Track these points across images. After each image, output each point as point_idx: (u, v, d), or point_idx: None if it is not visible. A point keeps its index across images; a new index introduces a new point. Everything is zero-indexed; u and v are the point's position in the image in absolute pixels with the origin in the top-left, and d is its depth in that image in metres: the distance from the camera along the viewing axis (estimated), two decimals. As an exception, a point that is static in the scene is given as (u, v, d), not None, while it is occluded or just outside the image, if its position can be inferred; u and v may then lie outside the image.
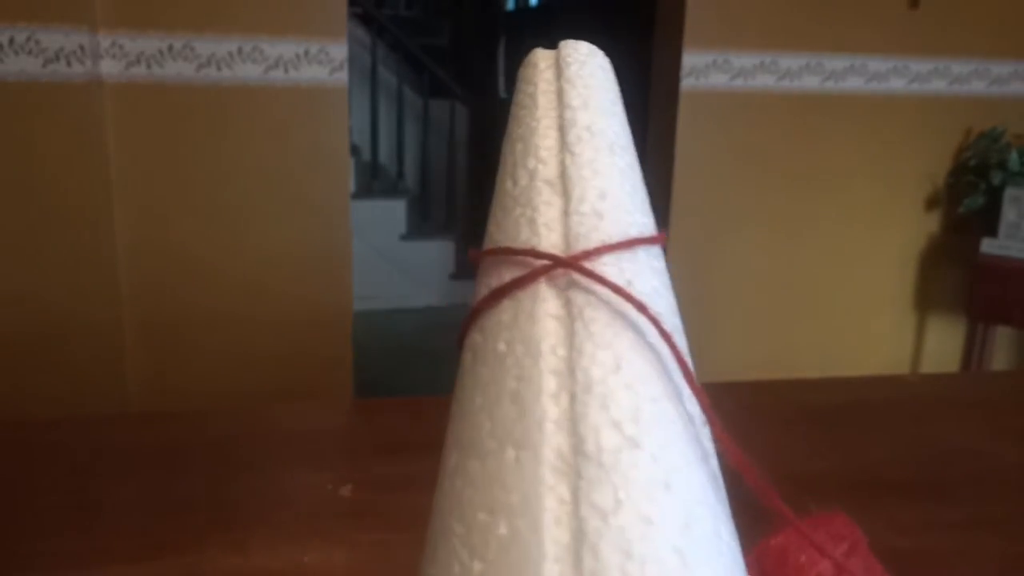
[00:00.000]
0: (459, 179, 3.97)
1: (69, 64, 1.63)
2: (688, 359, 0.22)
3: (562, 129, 0.23)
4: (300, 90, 1.81)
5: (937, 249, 2.34)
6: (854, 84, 2.16)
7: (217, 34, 1.73)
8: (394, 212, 3.74)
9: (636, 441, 0.17)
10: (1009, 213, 2.11)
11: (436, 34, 4.61)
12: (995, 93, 2.27)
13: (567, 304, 0.20)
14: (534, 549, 0.16)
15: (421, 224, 3.83)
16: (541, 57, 0.25)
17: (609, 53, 0.26)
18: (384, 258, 3.67)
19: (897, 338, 2.39)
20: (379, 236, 3.62)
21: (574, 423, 0.18)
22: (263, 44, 1.76)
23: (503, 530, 0.17)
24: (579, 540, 0.16)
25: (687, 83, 2.06)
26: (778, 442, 0.66)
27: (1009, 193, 2.11)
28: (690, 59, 2.04)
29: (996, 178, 2.16)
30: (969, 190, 2.22)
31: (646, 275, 0.21)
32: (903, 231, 2.31)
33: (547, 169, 0.23)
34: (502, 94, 4.12)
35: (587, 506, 0.17)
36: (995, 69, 2.25)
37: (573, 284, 0.20)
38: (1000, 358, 2.40)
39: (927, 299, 2.37)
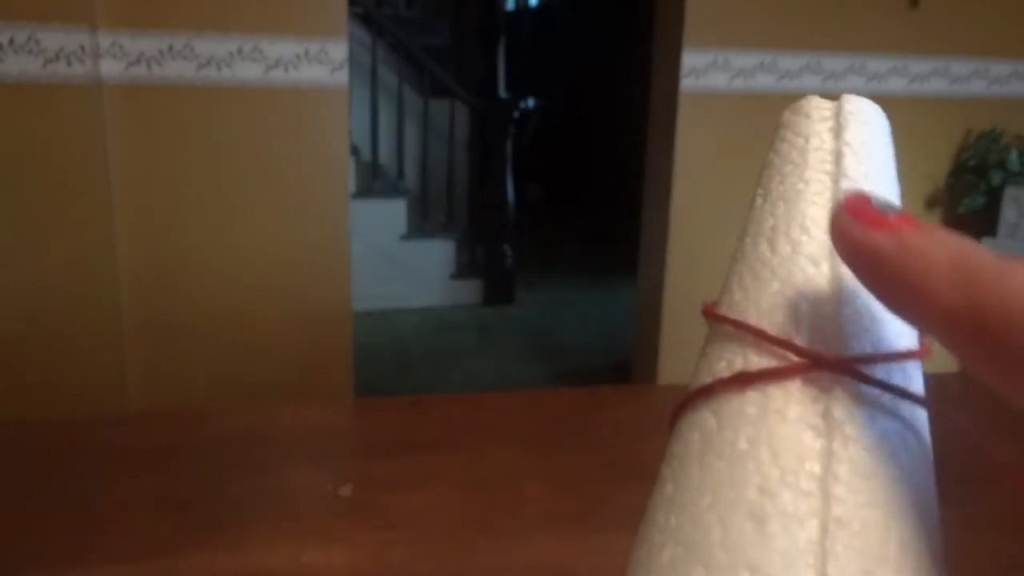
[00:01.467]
0: (459, 179, 3.97)
1: (69, 64, 1.63)
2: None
3: (836, 200, 0.20)
4: (300, 90, 1.81)
5: (937, 249, 2.34)
6: (854, 84, 2.16)
7: (217, 34, 1.73)
8: (394, 212, 3.74)
9: None
10: (1009, 213, 2.11)
11: (436, 34, 4.61)
12: (995, 93, 2.27)
13: (826, 414, 0.18)
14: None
15: (421, 224, 3.83)
16: (816, 107, 0.22)
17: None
18: (384, 258, 3.67)
19: (897, 338, 2.39)
20: (379, 236, 3.62)
21: (822, 560, 0.16)
22: (263, 44, 1.76)
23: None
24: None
25: (687, 83, 2.06)
26: None
27: (1009, 193, 2.11)
28: (690, 59, 2.04)
29: (996, 178, 2.16)
30: (969, 190, 2.22)
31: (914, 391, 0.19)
32: (903, 231, 2.31)
33: (812, 245, 0.20)
34: (502, 94, 4.12)
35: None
36: (995, 69, 2.25)
37: (835, 391, 0.18)
38: (1000, 358, 2.40)
39: (927, 299, 2.37)
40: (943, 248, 0.16)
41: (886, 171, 0.22)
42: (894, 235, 0.16)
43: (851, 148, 0.21)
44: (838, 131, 0.21)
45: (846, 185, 0.20)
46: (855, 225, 0.17)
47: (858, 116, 0.22)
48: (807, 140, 0.21)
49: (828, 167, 0.21)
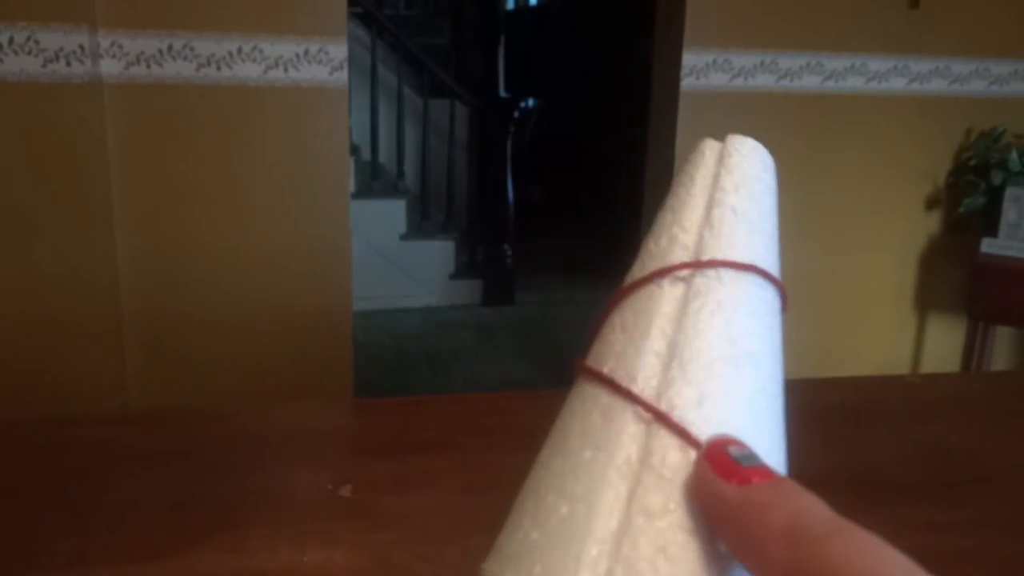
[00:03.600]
0: (459, 179, 3.97)
1: (69, 64, 1.63)
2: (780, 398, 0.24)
3: (709, 207, 0.26)
4: (300, 90, 1.81)
5: (937, 249, 2.34)
6: (854, 84, 2.16)
7: (217, 34, 1.73)
8: (394, 212, 3.74)
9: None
10: (1009, 213, 2.10)
11: (436, 34, 4.61)
12: (995, 93, 2.27)
13: (674, 335, 0.23)
14: (584, 529, 0.19)
15: (421, 224, 3.83)
16: (709, 147, 0.28)
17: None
18: (384, 258, 3.67)
19: (897, 338, 2.39)
20: (379, 236, 3.62)
21: (648, 439, 0.21)
22: (263, 44, 1.76)
23: (564, 510, 0.20)
24: (623, 531, 0.19)
25: (687, 83, 2.06)
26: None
27: (1009, 193, 2.11)
28: (690, 59, 2.04)
29: (996, 178, 2.16)
30: (969, 190, 2.22)
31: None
32: (903, 231, 2.31)
33: (686, 236, 0.25)
34: (502, 94, 4.12)
35: (638, 506, 0.19)
36: (995, 69, 2.25)
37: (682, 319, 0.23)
38: (1000, 358, 2.40)
39: (927, 299, 2.37)
40: (783, 506, 0.17)
41: (756, 186, 0.27)
42: (740, 488, 0.18)
43: (727, 171, 0.27)
44: (720, 162, 0.27)
45: (719, 197, 0.26)
46: (708, 472, 0.19)
47: (739, 149, 0.28)
48: (697, 168, 0.27)
49: (709, 184, 0.27)
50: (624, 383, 0.22)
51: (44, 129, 1.64)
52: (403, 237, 3.77)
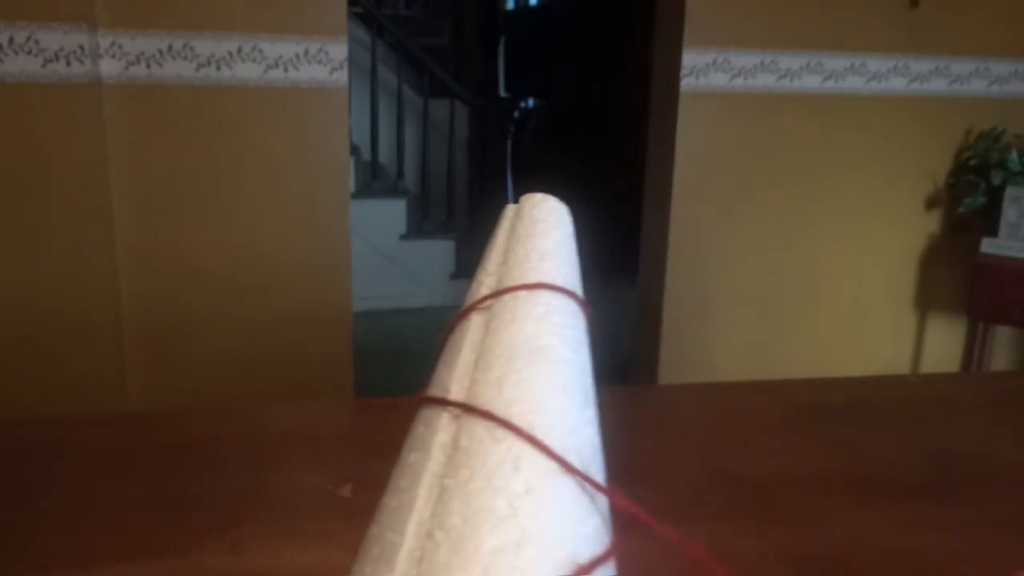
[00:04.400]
0: (459, 179, 3.97)
1: (69, 64, 1.63)
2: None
3: (506, 251, 0.33)
4: (300, 90, 1.81)
5: (937, 249, 2.34)
6: (854, 84, 2.16)
7: (216, 34, 1.73)
8: (394, 212, 3.74)
9: (497, 437, 0.22)
10: (1009, 213, 2.11)
11: (436, 34, 4.61)
12: (995, 93, 2.27)
13: (480, 350, 0.27)
14: (407, 510, 0.22)
15: (421, 224, 3.82)
16: (510, 209, 0.36)
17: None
18: (384, 258, 3.67)
19: (897, 338, 2.39)
20: (379, 236, 3.62)
21: (459, 429, 0.24)
22: (263, 44, 1.76)
23: (394, 503, 0.23)
24: (440, 500, 0.21)
25: (687, 83, 2.06)
26: (778, 442, 0.66)
27: (1009, 193, 2.11)
28: (690, 59, 2.04)
29: (996, 178, 2.16)
30: (969, 190, 2.22)
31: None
32: (903, 231, 2.31)
33: (489, 278, 0.31)
34: (502, 94, 4.12)
35: (451, 480, 0.22)
36: (995, 69, 2.25)
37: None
38: (1000, 358, 2.40)
39: (927, 299, 2.37)
40: None
41: (549, 232, 0.34)
42: None
43: (521, 222, 0.35)
44: (516, 216, 0.35)
45: (512, 241, 0.33)
46: None
47: (530, 202, 0.36)
48: (500, 227, 0.35)
49: (506, 237, 0.34)
50: (439, 395, 0.26)
51: (44, 129, 1.64)
52: (403, 237, 3.77)
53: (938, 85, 2.22)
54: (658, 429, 0.70)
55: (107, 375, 1.77)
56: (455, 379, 0.26)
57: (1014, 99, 2.28)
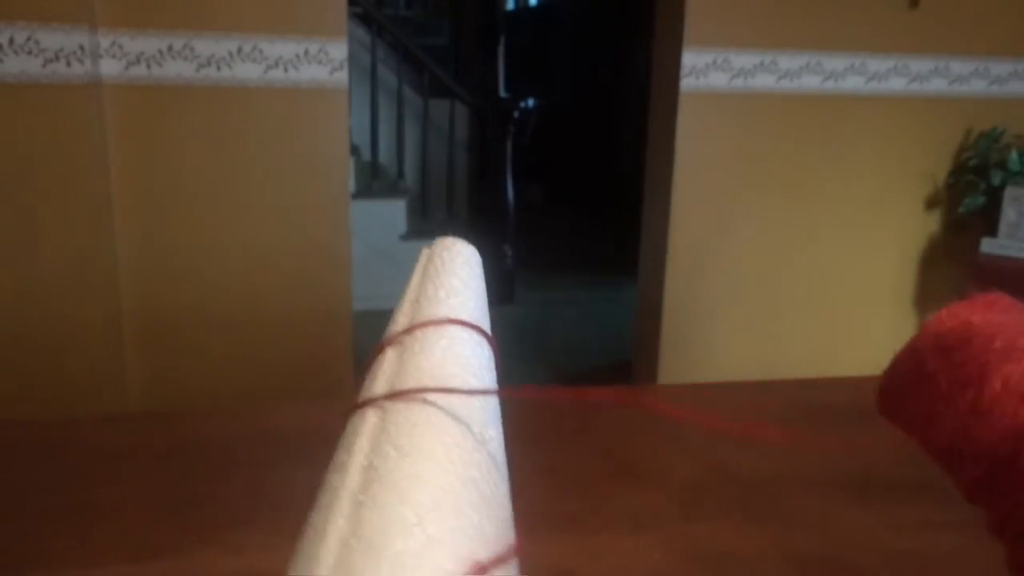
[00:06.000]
0: (459, 179, 3.97)
1: (69, 64, 1.63)
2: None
3: (420, 288, 0.37)
4: (300, 90, 1.81)
5: (937, 249, 2.34)
6: (854, 84, 2.16)
7: (217, 34, 1.73)
8: (394, 212, 3.74)
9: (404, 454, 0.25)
10: (1009, 213, 2.11)
11: (436, 34, 4.61)
12: (995, 93, 2.27)
13: (393, 375, 0.30)
14: (341, 488, 0.24)
15: (421, 224, 3.82)
16: (424, 252, 0.41)
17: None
18: (384, 258, 3.67)
19: (897, 338, 2.37)
20: (379, 236, 3.62)
21: (384, 417, 0.27)
22: (263, 44, 1.76)
23: (319, 520, 0.24)
24: (368, 476, 0.24)
25: (687, 83, 2.06)
26: (778, 442, 0.66)
27: (1009, 193, 2.11)
28: (690, 59, 2.04)
29: (996, 178, 2.16)
30: (969, 190, 2.22)
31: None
32: (903, 231, 2.31)
33: (404, 317, 0.35)
34: (502, 94, 4.12)
35: (379, 456, 0.25)
36: (995, 69, 2.25)
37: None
38: (1000, 358, 2.40)
39: (927, 299, 2.37)
40: None
41: (458, 271, 0.39)
42: None
43: (431, 263, 0.39)
44: (428, 259, 0.40)
45: (424, 281, 0.38)
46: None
47: (441, 245, 0.41)
48: (416, 269, 0.40)
49: (420, 277, 0.38)
50: (358, 423, 0.28)
51: (44, 129, 1.64)
52: (403, 237, 3.77)
53: (938, 85, 2.22)
54: (658, 429, 0.70)
55: (107, 375, 1.77)
56: (375, 390, 0.29)
57: (1014, 99, 2.28)
